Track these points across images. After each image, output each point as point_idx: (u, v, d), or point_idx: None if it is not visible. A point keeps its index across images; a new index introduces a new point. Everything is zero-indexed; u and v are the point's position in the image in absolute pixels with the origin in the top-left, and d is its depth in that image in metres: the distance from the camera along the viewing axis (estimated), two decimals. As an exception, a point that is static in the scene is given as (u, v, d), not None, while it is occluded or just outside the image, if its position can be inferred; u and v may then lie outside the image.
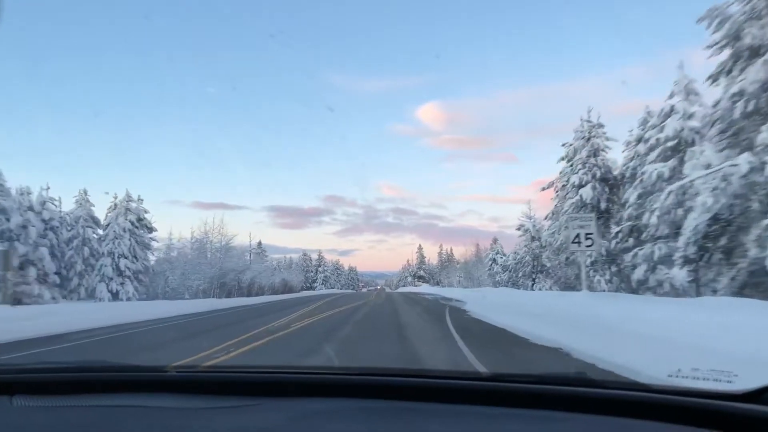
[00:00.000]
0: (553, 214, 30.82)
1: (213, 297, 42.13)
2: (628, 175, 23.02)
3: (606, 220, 23.73)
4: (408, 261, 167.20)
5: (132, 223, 35.13)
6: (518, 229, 34.82)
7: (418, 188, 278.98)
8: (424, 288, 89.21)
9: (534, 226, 33.95)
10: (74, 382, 1.60)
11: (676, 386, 1.40)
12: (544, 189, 31.32)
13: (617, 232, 22.83)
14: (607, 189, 23.94)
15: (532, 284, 33.69)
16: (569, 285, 28.10)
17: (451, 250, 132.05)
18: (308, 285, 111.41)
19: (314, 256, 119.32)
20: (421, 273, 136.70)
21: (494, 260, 52.40)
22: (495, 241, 61.47)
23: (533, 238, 33.64)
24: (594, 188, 23.72)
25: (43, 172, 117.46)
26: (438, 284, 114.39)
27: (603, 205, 23.68)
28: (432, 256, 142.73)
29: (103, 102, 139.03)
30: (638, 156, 22.28)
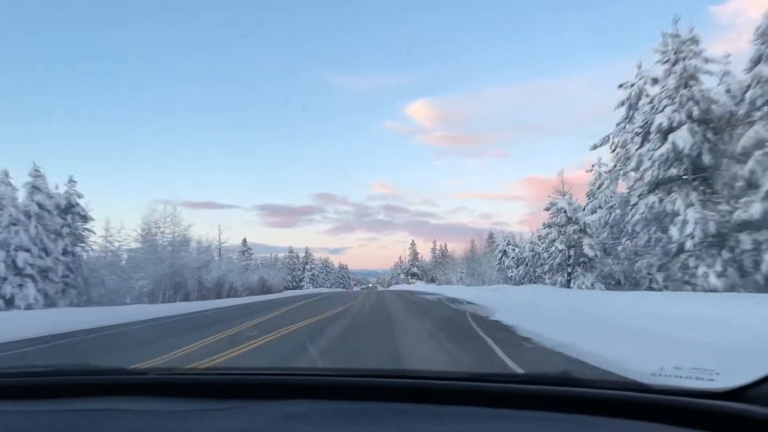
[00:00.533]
0: (601, 187, 22.73)
1: (162, 301, 33.72)
2: (745, 111, 14.95)
3: (708, 185, 15.73)
4: (400, 258, 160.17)
5: (40, 206, 26.48)
6: (547, 209, 26.70)
7: (410, 185, 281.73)
8: (419, 286, 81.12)
9: (570, 205, 25.76)
10: (53, 385, 1.58)
11: (660, 385, 1.38)
12: (595, 147, 23.44)
13: (730, 199, 14.73)
14: (709, 134, 15.89)
15: (568, 280, 25.56)
16: (634, 281, 20.05)
17: (446, 246, 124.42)
18: (295, 284, 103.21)
19: (301, 254, 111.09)
20: (415, 270, 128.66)
21: (504, 253, 44.17)
22: (490, 237, 53.94)
23: (569, 220, 25.49)
24: (692, 132, 15.58)
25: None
26: (433, 281, 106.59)
27: (706, 160, 15.62)
28: (425, 253, 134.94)
29: (86, 101, 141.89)
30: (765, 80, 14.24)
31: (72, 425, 1.27)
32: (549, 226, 27.23)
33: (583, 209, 27.10)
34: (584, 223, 25.17)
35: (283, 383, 1.54)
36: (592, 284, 24.87)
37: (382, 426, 1.23)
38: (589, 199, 27.82)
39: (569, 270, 26.06)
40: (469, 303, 22.96)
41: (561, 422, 1.20)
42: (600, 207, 25.99)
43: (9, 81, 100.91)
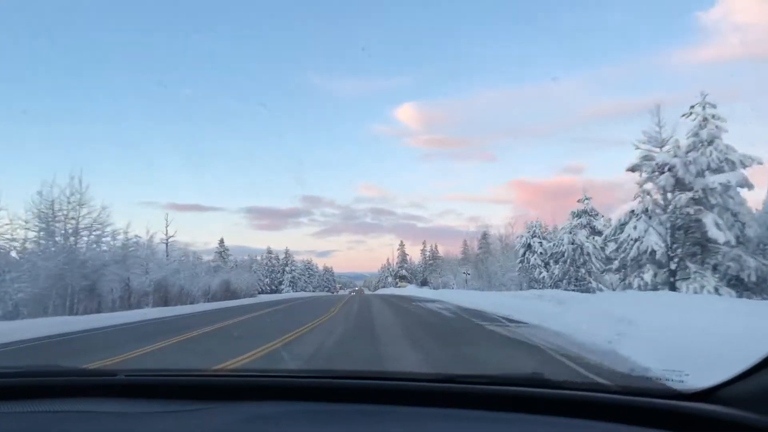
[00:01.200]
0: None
1: (61, 313, 23.19)
2: None
3: None
4: (388, 260, 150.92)
5: None
6: (634, 170, 16.59)
7: (397, 188, 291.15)
8: (410, 289, 70.87)
9: (684, 159, 15.47)
10: (19, 387, 1.56)
11: (629, 386, 1.38)
12: None
13: None
14: None
15: (671, 282, 15.46)
16: None
17: (436, 246, 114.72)
18: (273, 287, 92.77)
19: (282, 255, 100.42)
20: (403, 272, 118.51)
21: (529, 247, 33.77)
22: (484, 238, 43.94)
23: (677, 183, 15.32)
24: None
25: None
26: (426, 285, 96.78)
27: None
28: (414, 255, 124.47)
29: (71, 103, 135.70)
30: None
31: (38, 427, 1.23)
32: (640, 195, 16.92)
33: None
34: (706, 187, 15.02)
35: (252, 385, 1.52)
36: (716, 288, 14.81)
37: (353, 427, 1.22)
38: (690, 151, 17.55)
39: (672, 267, 15.89)
40: (525, 325, 12.94)
41: (530, 423, 1.20)
42: (721, 163, 15.84)
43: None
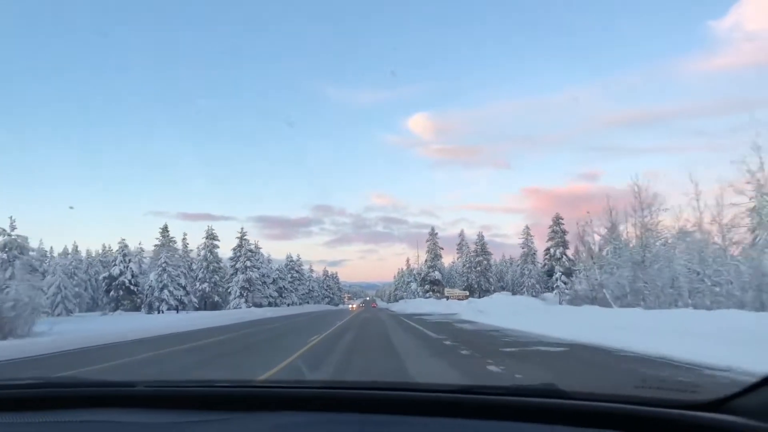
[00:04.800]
0: None
1: None
2: None
3: None
4: (408, 261, 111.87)
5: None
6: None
7: (409, 197, 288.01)
8: (486, 308, 30.82)
9: None
10: (41, 398, 1.54)
11: (643, 396, 1.39)
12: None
13: None
14: None
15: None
16: None
17: (483, 236, 76.41)
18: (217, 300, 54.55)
19: (228, 249, 61.57)
20: (436, 275, 78.46)
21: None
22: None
23: None
24: None
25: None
26: (483, 294, 58.12)
27: None
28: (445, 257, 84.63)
29: (79, 111, 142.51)
30: None
31: None
32: None
33: None
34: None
35: (271, 396, 1.53)
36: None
37: None
38: None
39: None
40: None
41: None
42: None
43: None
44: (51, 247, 58.10)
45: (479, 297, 54.33)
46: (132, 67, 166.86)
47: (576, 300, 24.65)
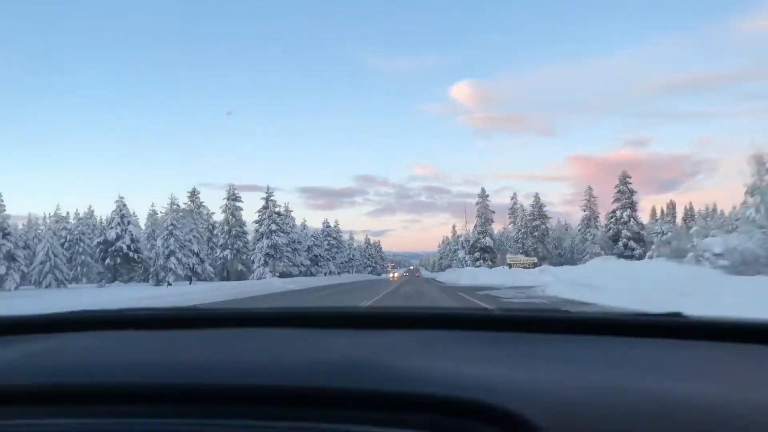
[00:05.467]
0: None
1: None
2: None
3: None
4: (454, 228, 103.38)
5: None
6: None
7: (451, 167, 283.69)
8: (594, 281, 21.55)
9: None
10: (188, 318, 1.50)
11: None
12: None
13: None
14: None
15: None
16: None
17: (538, 198, 67.51)
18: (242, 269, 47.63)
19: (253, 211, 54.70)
20: (487, 241, 69.69)
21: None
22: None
23: None
24: None
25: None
26: (544, 263, 49.17)
27: None
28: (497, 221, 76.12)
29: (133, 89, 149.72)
30: None
31: (209, 345, 1.21)
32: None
33: None
34: None
35: (391, 315, 1.50)
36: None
37: (512, 350, 1.13)
38: None
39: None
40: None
41: (671, 347, 1.12)
42: None
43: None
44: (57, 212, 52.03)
45: (543, 265, 45.57)
46: (172, 32, 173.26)
47: (739, 267, 15.79)
